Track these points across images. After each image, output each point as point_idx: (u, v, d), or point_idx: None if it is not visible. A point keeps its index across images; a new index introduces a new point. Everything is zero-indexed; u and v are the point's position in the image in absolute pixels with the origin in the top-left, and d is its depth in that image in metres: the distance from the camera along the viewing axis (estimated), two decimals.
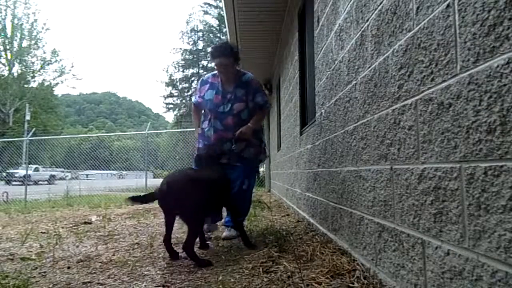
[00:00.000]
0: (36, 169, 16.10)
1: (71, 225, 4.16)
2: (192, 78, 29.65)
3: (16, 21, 29.60)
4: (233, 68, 2.84)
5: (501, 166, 0.82)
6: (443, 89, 1.07)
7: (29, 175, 10.40)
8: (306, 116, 3.94)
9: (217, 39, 29.17)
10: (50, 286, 1.84)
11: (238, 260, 2.16)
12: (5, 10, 29.53)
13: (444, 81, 1.06)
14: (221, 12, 25.37)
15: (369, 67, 1.67)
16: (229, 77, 2.85)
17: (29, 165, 10.25)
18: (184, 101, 29.66)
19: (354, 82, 1.90)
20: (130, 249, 2.66)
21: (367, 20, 1.68)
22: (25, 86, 29.41)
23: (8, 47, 29.17)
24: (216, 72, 2.92)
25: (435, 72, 1.11)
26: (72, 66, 50.98)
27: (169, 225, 2.28)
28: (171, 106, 30.01)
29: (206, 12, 29.52)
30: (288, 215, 4.18)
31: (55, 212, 6.03)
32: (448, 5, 1.03)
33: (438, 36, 1.09)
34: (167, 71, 40.54)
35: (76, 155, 12.41)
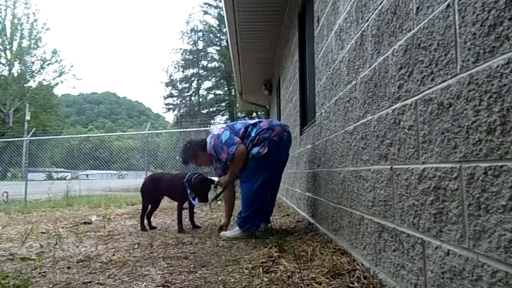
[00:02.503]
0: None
1: (71, 225, 4.16)
2: (192, 78, 29.64)
3: (16, 21, 29.61)
4: (202, 158, 3.22)
5: (501, 166, 0.82)
6: (443, 89, 1.07)
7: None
8: (306, 116, 3.94)
9: (217, 39, 29.16)
10: (50, 286, 1.84)
11: (238, 260, 2.16)
12: (5, 10, 29.55)
13: (444, 81, 1.06)
14: (221, 12, 25.37)
15: (369, 67, 1.67)
16: (207, 163, 3.29)
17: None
18: (184, 101, 29.65)
19: (354, 82, 1.90)
20: (130, 249, 2.66)
21: (367, 20, 1.68)
22: (25, 86, 29.42)
23: (8, 47, 29.18)
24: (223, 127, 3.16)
25: (435, 72, 1.11)
26: (72, 66, 51.14)
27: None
28: (171, 106, 30.00)
29: (206, 12, 29.50)
30: (288, 215, 4.18)
31: (55, 212, 6.03)
32: (448, 5, 1.03)
33: (438, 36, 1.09)
34: (167, 71, 40.58)
35: (76, 155, 12.40)
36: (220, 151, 2.92)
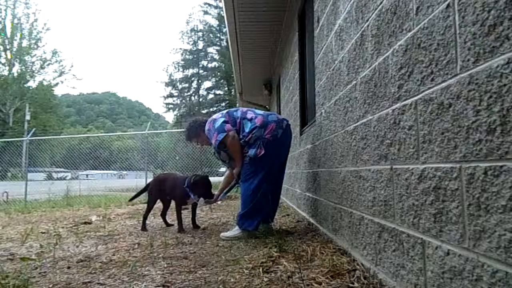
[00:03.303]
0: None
1: (71, 225, 4.16)
2: (192, 78, 29.64)
3: (16, 21, 29.64)
4: (203, 138, 3.26)
5: (501, 166, 0.82)
6: (443, 89, 1.07)
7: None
8: (306, 116, 3.95)
9: (217, 39, 29.16)
10: (50, 286, 1.84)
11: (238, 260, 2.16)
12: (5, 10, 29.60)
13: (444, 81, 1.06)
14: (221, 12, 25.37)
15: (369, 67, 1.67)
16: (207, 143, 3.27)
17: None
18: (184, 101, 29.65)
19: (354, 82, 1.90)
20: (130, 249, 2.66)
21: (367, 20, 1.68)
22: (25, 86, 29.43)
23: (8, 47, 29.19)
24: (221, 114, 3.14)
25: (435, 72, 1.11)
26: (72, 66, 51.25)
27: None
28: (171, 106, 30.00)
29: (206, 12, 29.50)
30: (288, 215, 4.18)
31: (55, 212, 6.03)
32: (448, 5, 1.03)
33: (438, 36, 1.09)
34: (167, 71, 40.57)
35: (76, 155, 12.38)
36: (211, 137, 2.98)
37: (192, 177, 3.35)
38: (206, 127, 3.08)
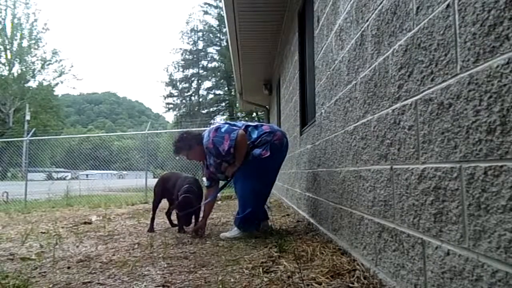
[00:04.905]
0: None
1: (71, 225, 4.16)
2: (192, 78, 29.65)
3: (16, 21, 29.62)
4: (195, 152, 3.09)
5: (501, 166, 0.82)
6: (443, 89, 1.07)
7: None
8: (306, 116, 3.94)
9: (217, 39, 29.18)
10: (50, 286, 1.84)
11: (238, 260, 2.16)
12: (5, 10, 29.59)
13: (444, 81, 1.06)
14: (221, 12, 25.38)
15: (369, 67, 1.67)
16: (199, 157, 3.15)
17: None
18: (184, 101, 29.67)
19: (354, 82, 1.90)
20: (130, 249, 2.66)
21: (367, 20, 1.68)
22: (25, 86, 29.42)
23: (8, 47, 29.18)
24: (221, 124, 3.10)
25: (435, 72, 1.11)
26: (72, 66, 51.22)
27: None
28: (171, 106, 30.00)
29: (206, 12, 29.51)
30: (288, 215, 4.18)
31: (55, 212, 6.03)
32: (448, 5, 1.03)
33: (438, 36, 1.09)
34: (167, 71, 40.60)
35: (76, 155, 12.41)
36: (221, 142, 2.80)
37: (185, 191, 3.18)
38: (209, 137, 2.90)
